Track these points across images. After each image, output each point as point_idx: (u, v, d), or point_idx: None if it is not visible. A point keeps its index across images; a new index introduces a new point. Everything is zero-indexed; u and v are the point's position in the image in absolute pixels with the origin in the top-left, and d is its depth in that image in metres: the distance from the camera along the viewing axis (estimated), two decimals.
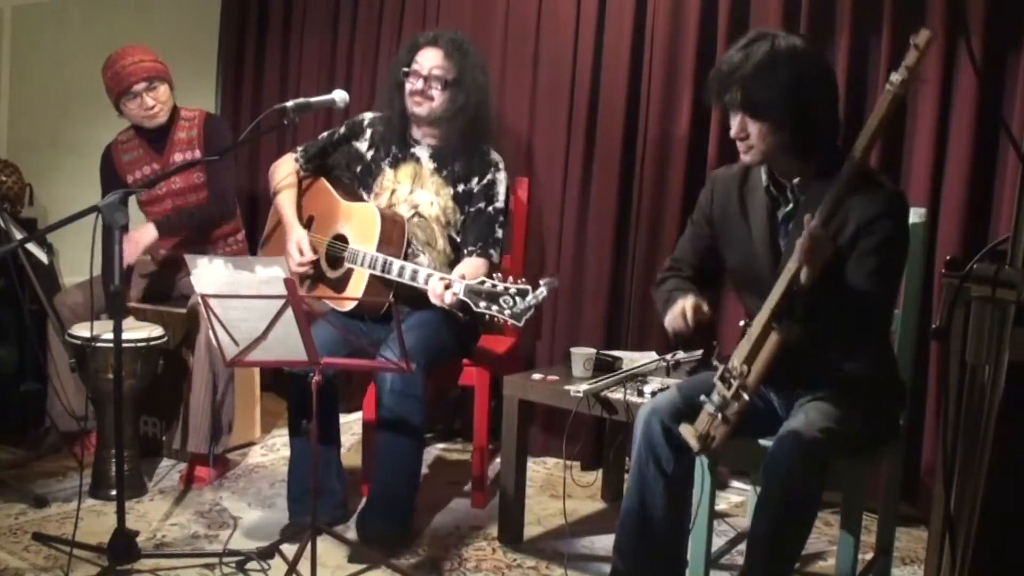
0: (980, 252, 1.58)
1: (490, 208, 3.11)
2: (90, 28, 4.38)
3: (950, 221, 3.02)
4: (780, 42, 2.17)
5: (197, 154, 3.46)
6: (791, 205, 2.29)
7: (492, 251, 3.07)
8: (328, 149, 3.26)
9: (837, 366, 2.29)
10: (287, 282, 2.35)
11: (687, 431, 2.19)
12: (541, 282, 2.43)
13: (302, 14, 4.47)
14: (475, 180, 3.12)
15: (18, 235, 3.22)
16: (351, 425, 3.98)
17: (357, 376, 3.88)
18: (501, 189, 3.13)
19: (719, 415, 2.13)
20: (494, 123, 3.24)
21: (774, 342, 2.08)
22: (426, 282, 2.77)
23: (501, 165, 3.15)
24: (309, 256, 3.06)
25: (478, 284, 2.51)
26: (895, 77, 1.97)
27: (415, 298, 2.91)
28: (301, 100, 2.94)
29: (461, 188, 3.12)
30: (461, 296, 2.58)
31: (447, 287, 2.65)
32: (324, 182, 3.25)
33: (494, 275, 2.52)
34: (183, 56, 3.68)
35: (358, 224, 3.06)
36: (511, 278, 2.49)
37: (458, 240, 3.13)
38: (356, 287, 3.02)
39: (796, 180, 2.27)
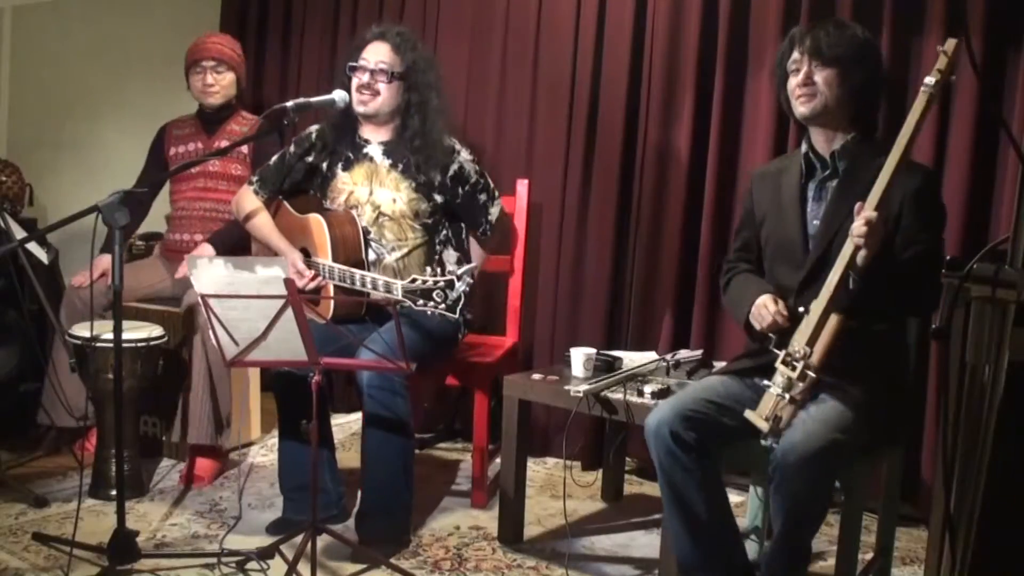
0: (980, 252, 1.58)
1: (467, 188, 3.12)
2: (90, 28, 4.39)
3: (950, 221, 3.00)
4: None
5: (243, 150, 3.62)
6: (827, 171, 2.45)
7: (486, 222, 3.16)
8: (283, 171, 3.21)
9: (867, 327, 2.35)
10: (287, 282, 2.36)
11: (753, 416, 2.25)
12: (458, 271, 2.54)
13: (302, 14, 4.47)
14: (437, 173, 3.08)
15: (18, 235, 3.22)
16: (351, 425, 3.98)
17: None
18: (469, 168, 3.13)
19: (786, 396, 2.21)
20: (448, 120, 3.18)
21: (835, 323, 2.21)
22: (385, 289, 2.79)
23: (457, 146, 3.14)
24: (308, 272, 2.99)
25: (410, 283, 2.56)
26: (929, 80, 2.18)
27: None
28: (301, 100, 2.94)
29: (423, 179, 3.08)
30: (400, 297, 2.61)
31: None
32: (283, 202, 3.21)
33: (427, 269, 2.59)
34: (183, 56, 3.70)
35: (315, 236, 3.05)
36: (438, 270, 2.56)
37: (430, 222, 3.10)
38: (325, 300, 3.01)
39: (837, 147, 2.43)
